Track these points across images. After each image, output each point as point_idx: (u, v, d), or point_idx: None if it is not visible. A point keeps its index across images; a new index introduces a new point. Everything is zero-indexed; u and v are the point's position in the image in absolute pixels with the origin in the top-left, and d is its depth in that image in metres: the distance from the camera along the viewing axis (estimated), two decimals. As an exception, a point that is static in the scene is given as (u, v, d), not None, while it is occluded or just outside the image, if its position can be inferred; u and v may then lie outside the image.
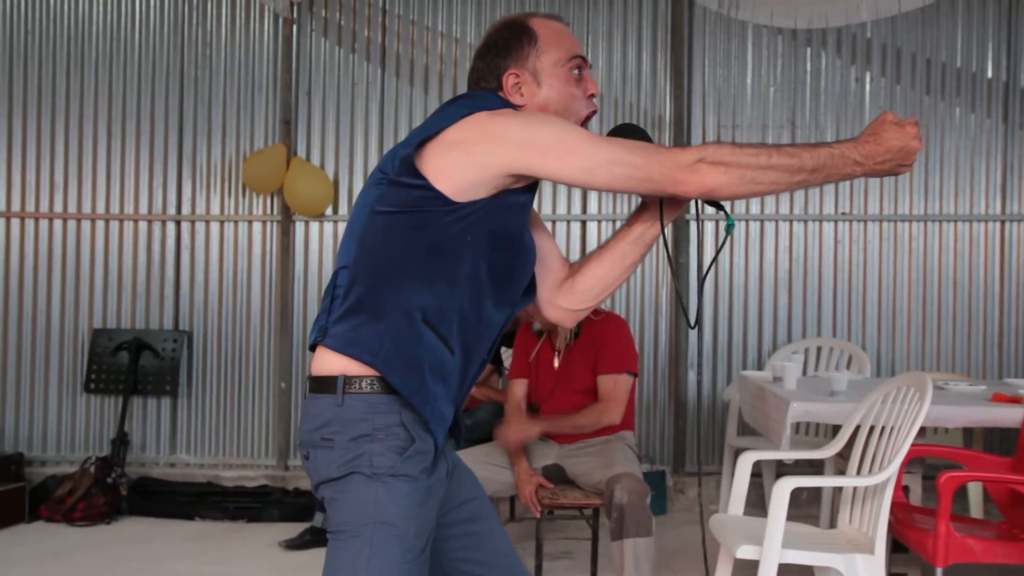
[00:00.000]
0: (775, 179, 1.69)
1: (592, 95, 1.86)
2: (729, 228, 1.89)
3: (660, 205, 1.87)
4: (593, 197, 5.66)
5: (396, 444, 1.69)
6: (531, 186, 1.78)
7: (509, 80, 1.81)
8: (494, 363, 4.50)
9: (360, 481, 1.69)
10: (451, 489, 1.87)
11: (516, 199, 1.75)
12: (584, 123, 1.86)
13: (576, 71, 1.84)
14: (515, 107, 1.81)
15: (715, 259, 2.22)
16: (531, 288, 1.90)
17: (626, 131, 1.88)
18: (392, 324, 1.70)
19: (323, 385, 1.73)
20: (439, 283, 1.71)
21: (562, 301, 1.98)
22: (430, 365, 1.71)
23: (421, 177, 1.69)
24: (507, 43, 1.82)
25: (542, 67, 1.82)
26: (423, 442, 1.71)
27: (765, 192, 1.73)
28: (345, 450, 1.69)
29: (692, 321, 1.94)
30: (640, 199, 1.93)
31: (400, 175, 1.71)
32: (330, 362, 1.73)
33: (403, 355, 1.69)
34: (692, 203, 1.89)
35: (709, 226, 5.56)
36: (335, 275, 1.78)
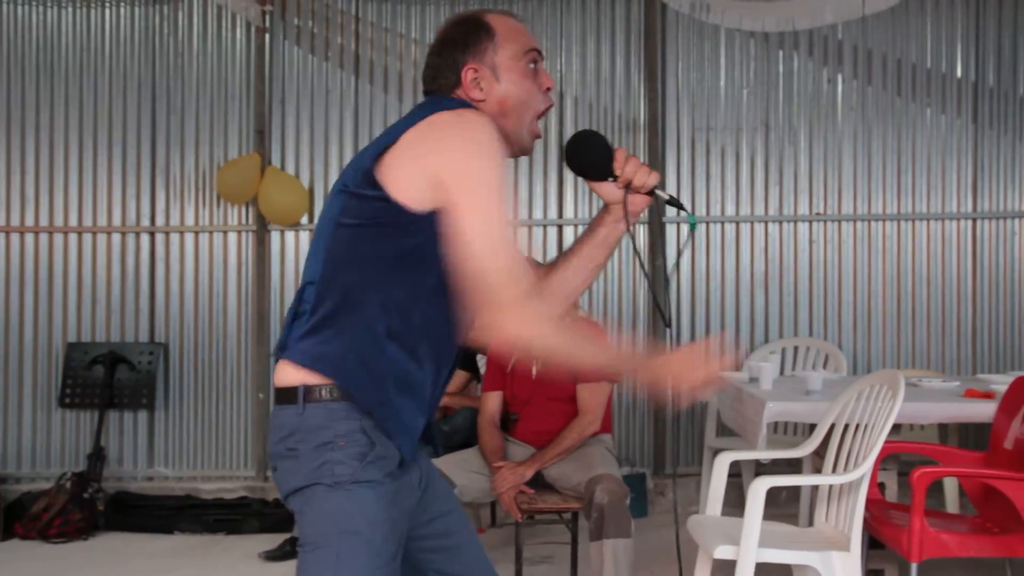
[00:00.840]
0: (566, 360, 1.79)
1: (548, 88, 1.86)
2: (692, 227, 1.93)
3: (624, 204, 1.89)
4: (569, 201, 5.66)
5: (356, 450, 1.68)
6: None
7: (468, 75, 1.80)
8: (471, 370, 4.49)
9: (323, 492, 1.68)
10: (427, 500, 1.87)
11: None
12: (540, 116, 1.86)
13: (532, 65, 1.84)
14: (473, 105, 1.79)
15: (678, 258, 2.25)
16: None
17: (584, 139, 1.91)
18: (356, 338, 1.70)
19: (285, 396, 1.72)
20: (404, 296, 1.70)
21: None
22: (395, 378, 1.71)
23: (380, 188, 1.67)
24: (464, 38, 1.81)
25: (500, 61, 1.80)
26: (384, 447, 1.70)
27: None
28: (308, 460, 1.69)
29: (668, 320, 1.95)
30: (603, 201, 1.94)
31: (360, 186, 1.70)
32: (291, 374, 1.72)
33: (367, 368, 1.69)
34: (655, 203, 1.90)
35: (684, 228, 5.58)
36: (302, 291, 1.77)
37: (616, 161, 1.88)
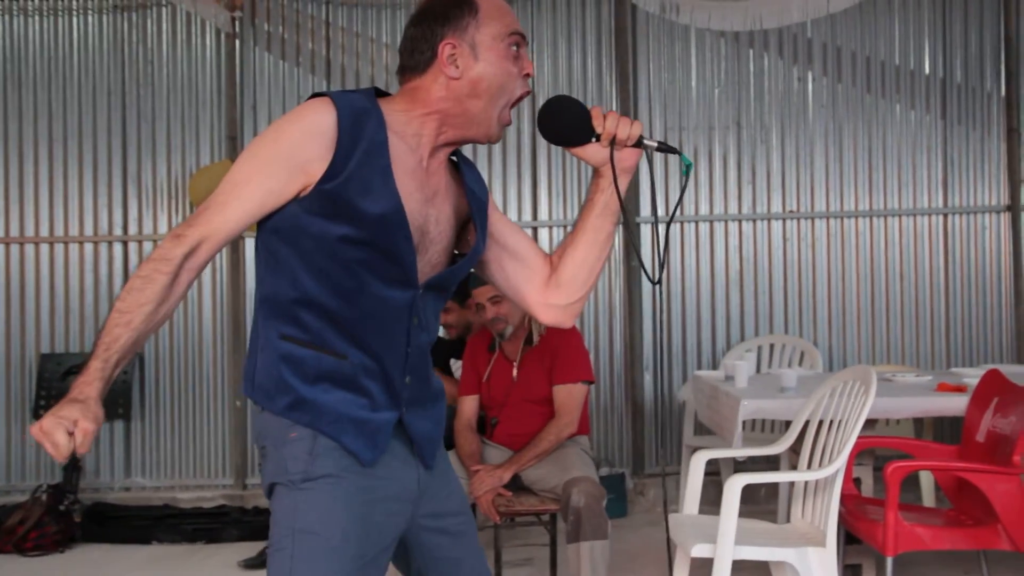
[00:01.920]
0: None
1: (528, 75, 1.78)
2: (687, 168, 1.84)
3: (612, 162, 1.80)
4: (544, 203, 5.67)
5: (305, 444, 1.67)
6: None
7: (445, 50, 1.71)
8: (444, 373, 4.49)
9: (281, 492, 1.68)
10: (442, 495, 1.85)
11: (316, 200, 1.64)
12: (516, 103, 1.79)
13: (514, 48, 1.75)
14: (453, 78, 1.72)
15: (679, 202, 2.13)
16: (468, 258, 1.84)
17: (557, 104, 1.81)
18: (261, 351, 1.73)
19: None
20: (287, 297, 1.68)
21: (552, 298, 1.90)
22: (313, 377, 1.68)
23: None
24: (446, 10, 1.72)
25: (481, 39, 1.72)
26: (327, 439, 1.68)
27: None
28: (273, 458, 1.70)
29: (655, 276, 1.89)
30: (592, 169, 1.86)
31: None
32: None
33: (271, 379, 1.70)
34: (644, 153, 1.83)
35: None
36: None
37: (594, 119, 1.78)
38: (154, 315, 1.57)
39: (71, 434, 1.44)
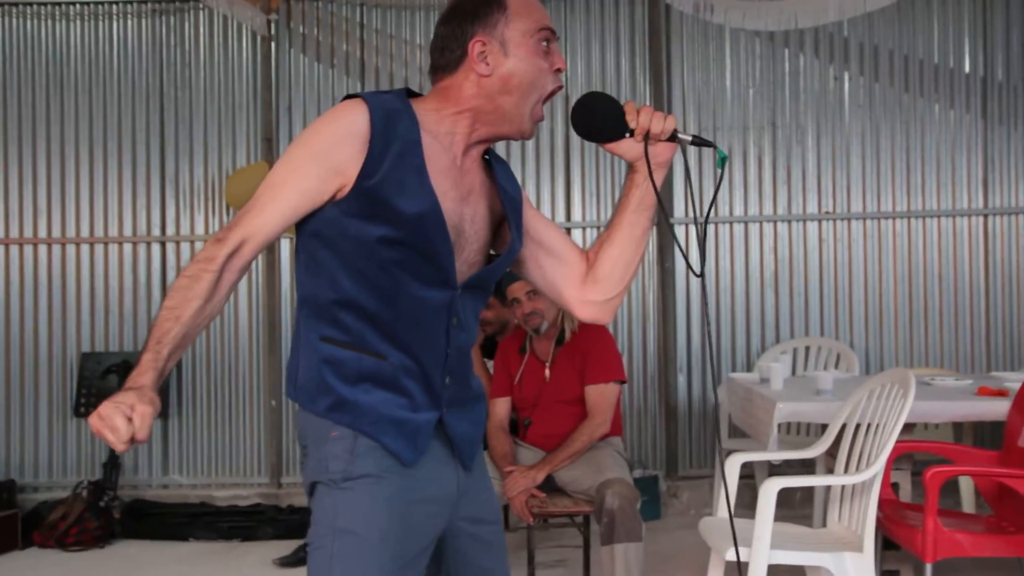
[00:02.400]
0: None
1: (559, 69, 1.77)
2: (722, 161, 1.78)
3: (647, 157, 1.78)
4: (577, 203, 5.67)
5: (346, 444, 1.68)
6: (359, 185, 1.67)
7: (475, 48, 1.71)
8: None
9: (322, 491, 1.69)
10: (480, 499, 1.85)
11: (357, 199, 1.65)
12: (548, 98, 1.79)
13: (544, 43, 1.75)
14: (480, 74, 1.72)
15: (716, 194, 2.10)
16: (502, 257, 1.84)
17: (590, 100, 1.81)
18: (303, 353, 1.74)
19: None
20: (326, 299, 1.70)
21: (590, 295, 1.89)
22: (354, 378, 1.69)
23: None
24: (475, 8, 1.72)
25: (511, 36, 1.72)
26: (368, 439, 1.69)
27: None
28: (313, 456, 1.71)
29: (697, 269, 1.88)
30: (628, 165, 1.85)
31: None
32: None
33: (313, 381, 1.71)
34: (680, 149, 1.83)
35: (707, 229, 5.57)
36: None
37: (628, 114, 1.77)
38: (201, 311, 1.58)
39: (129, 420, 1.44)
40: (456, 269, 1.73)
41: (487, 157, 1.87)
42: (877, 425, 3.08)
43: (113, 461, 5.33)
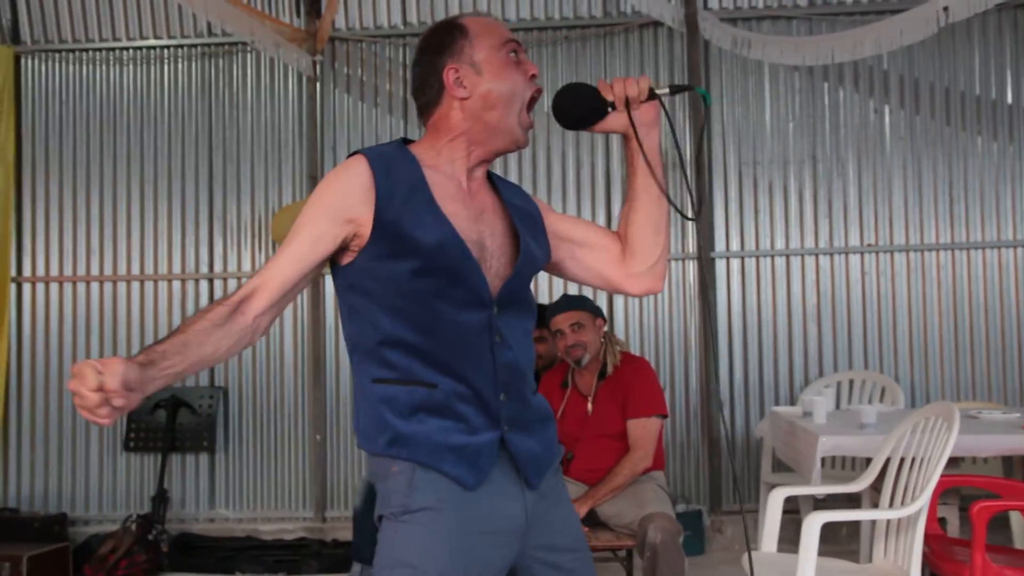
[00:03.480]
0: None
1: (533, 75, 1.85)
2: (706, 100, 1.92)
3: (632, 122, 1.86)
4: (602, 216, 5.67)
5: (405, 478, 1.72)
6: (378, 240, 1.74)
7: (449, 76, 1.81)
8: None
9: (385, 524, 1.74)
10: (556, 527, 1.85)
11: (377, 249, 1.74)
12: (531, 105, 1.85)
13: (513, 54, 1.83)
14: (461, 98, 1.81)
15: (701, 137, 2.16)
16: (525, 268, 1.87)
17: (565, 92, 1.88)
18: (361, 400, 1.80)
19: None
20: (370, 341, 1.76)
21: (632, 267, 1.94)
22: (407, 411, 1.74)
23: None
24: (439, 41, 1.83)
25: (479, 56, 1.81)
26: (427, 471, 1.72)
27: None
28: (381, 494, 1.76)
29: (690, 212, 1.93)
30: (623, 141, 1.92)
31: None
32: None
33: (372, 422, 1.77)
34: (660, 103, 1.88)
35: (735, 263, 5.57)
36: None
37: (602, 90, 1.86)
38: (207, 335, 1.63)
39: (100, 373, 1.44)
40: (488, 284, 1.78)
41: (491, 180, 1.94)
42: (922, 459, 3.06)
43: (161, 495, 5.42)
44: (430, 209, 1.75)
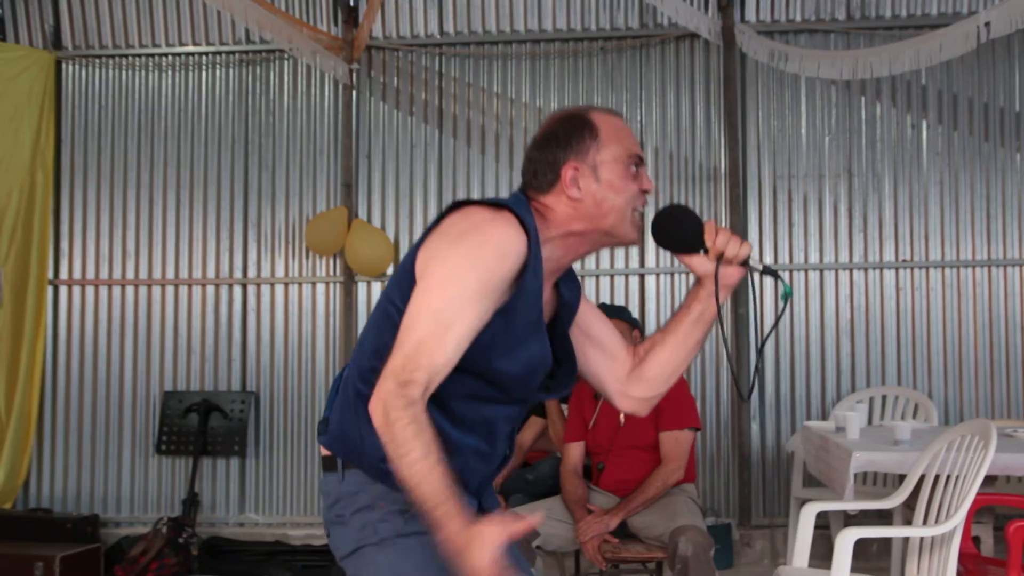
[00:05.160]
0: (397, 469, 1.60)
1: (646, 191, 1.83)
2: (786, 296, 1.86)
3: (716, 277, 1.85)
4: (651, 250, 5.67)
5: (396, 508, 1.71)
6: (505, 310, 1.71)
7: (568, 173, 1.77)
8: (542, 415, 4.51)
9: (371, 552, 1.73)
10: None
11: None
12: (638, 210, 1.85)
13: (634, 168, 1.81)
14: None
15: (775, 326, 2.16)
16: (566, 376, 1.90)
17: (673, 214, 1.87)
18: (354, 405, 1.78)
19: (328, 464, 1.81)
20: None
21: (633, 391, 1.96)
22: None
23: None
24: (568, 135, 1.79)
25: (602, 161, 1.78)
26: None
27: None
28: (353, 525, 1.75)
29: (745, 393, 1.96)
30: (695, 278, 1.92)
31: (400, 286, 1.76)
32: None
33: (370, 437, 1.67)
34: (748, 275, 1.89)
35: (768, 291, 5.54)
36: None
37: (706, 233, 1.84)
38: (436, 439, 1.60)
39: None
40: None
41: None
42: (957, 477, 3.03)
43: (192, 498, 5.46)
44: (536, 329, 1.74)
